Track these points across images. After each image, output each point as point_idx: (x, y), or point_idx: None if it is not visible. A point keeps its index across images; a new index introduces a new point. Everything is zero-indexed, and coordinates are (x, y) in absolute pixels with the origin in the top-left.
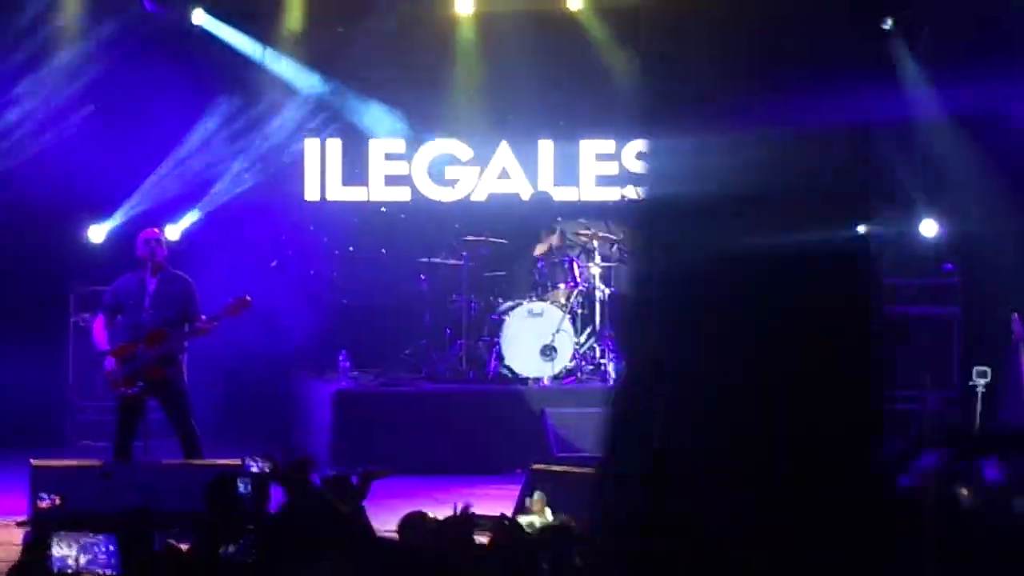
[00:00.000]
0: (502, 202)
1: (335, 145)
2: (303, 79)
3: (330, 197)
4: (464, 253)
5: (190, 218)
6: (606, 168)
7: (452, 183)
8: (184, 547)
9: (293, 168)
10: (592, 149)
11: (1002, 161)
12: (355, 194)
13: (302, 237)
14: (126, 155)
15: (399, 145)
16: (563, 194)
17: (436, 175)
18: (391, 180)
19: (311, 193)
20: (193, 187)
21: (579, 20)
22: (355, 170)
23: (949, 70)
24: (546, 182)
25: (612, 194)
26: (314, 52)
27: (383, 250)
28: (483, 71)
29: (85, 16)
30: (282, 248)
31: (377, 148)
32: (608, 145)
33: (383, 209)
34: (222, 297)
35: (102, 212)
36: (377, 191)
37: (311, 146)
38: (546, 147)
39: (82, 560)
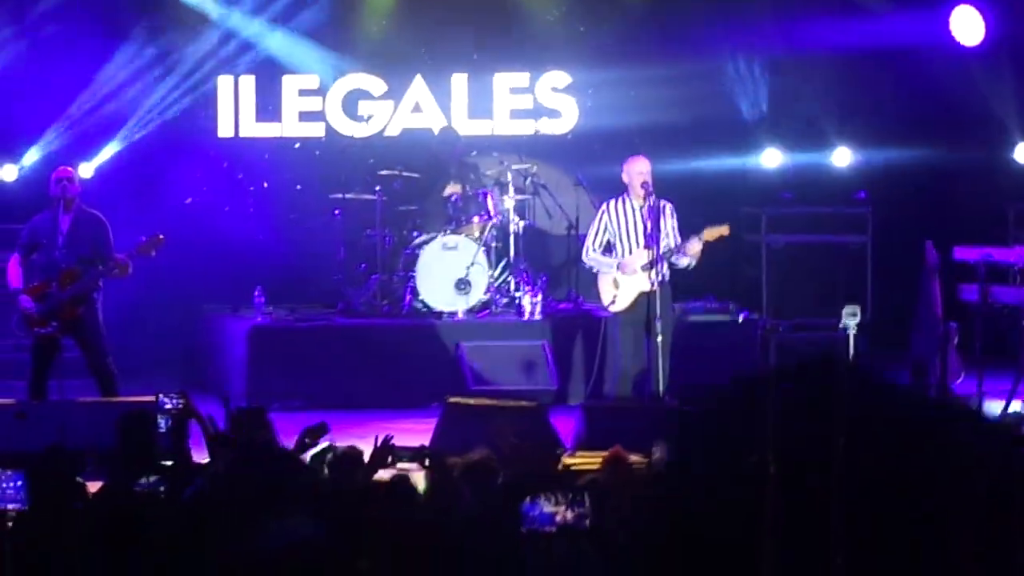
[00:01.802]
0: (415, 136)
1: (248, 82)
2: (216, 8)
3: (244, 134)
4: (377, 188)
5: (104, 155)
6: (520, 101)
7: (366, 118)
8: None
9: (207, 105)
10: (506, 83)
11: (913, 90)
12: (269, 130)
13: (216, 174)
14: (38, 92)
15: (313, 81)
16: (477, 128)
17: (350, 110)
18: (305, 116)
19: (224, 130)
20: (107, 124)
21: None
22: (269, 107)
23: (860, 2)
24: (460, 116)
25: (526, 127)
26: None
27: (298, 186)
28: (397, 4)
29: None
30: (196, 185)
31: (291, 84)
32: (522, 78)
33: (297, 145)
34: (137, 235)
35: (14, 151)
36: (291, 127)
37: (224, 83)
38: (460, 81)
39: None
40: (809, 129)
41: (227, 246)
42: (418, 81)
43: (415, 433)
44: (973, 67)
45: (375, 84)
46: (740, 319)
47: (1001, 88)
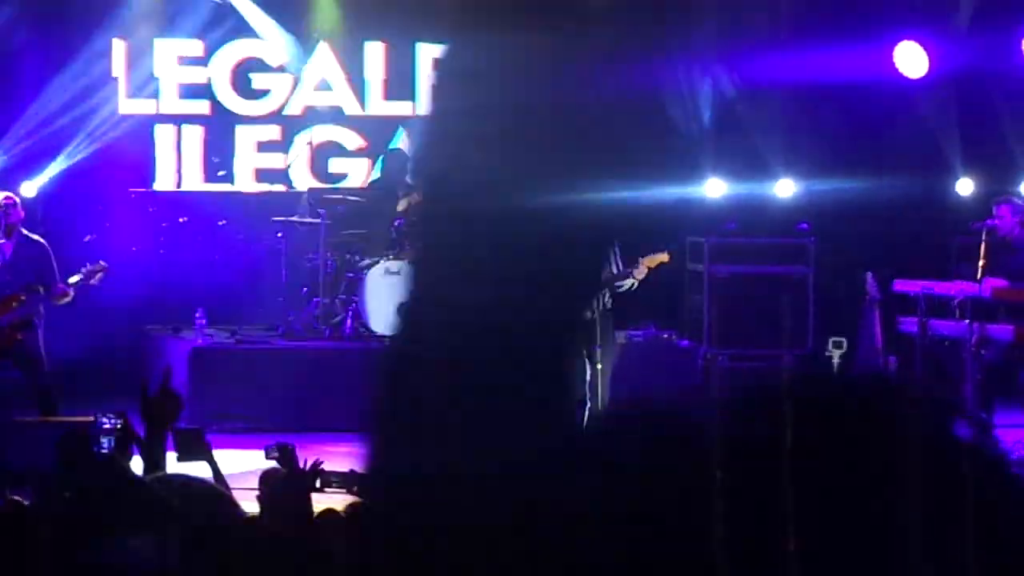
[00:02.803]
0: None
1: (120, 47)
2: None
3: (123, 111)
4: (321, 211)
5: (46, 175)
6: None
7: (262, 94)
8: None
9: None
10: (433, 54)
11: (857, 123)
12: (144, 107)
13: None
14: None
15: (195, 47)
16: (397, 109)
17: (241, 84)
18: (187, 91)
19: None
20: (49, 143)
21: None
22: (145, 81)
23: (805, 36)
24: (376, 95)
25: None
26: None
27: (221, 221)
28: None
29: None
30: (134, 207)
31: (166, 49)
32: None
33: (221, 172)
34: (80, 257)
35: None
36: (169, 103)
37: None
38: (374, 50)
39: None
40: (752, 160)
41: (169, 267)
42: (323, 49)
43: (353, 457)
44: (916, 101)
45: (271, 52)
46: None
47: (944, 122)
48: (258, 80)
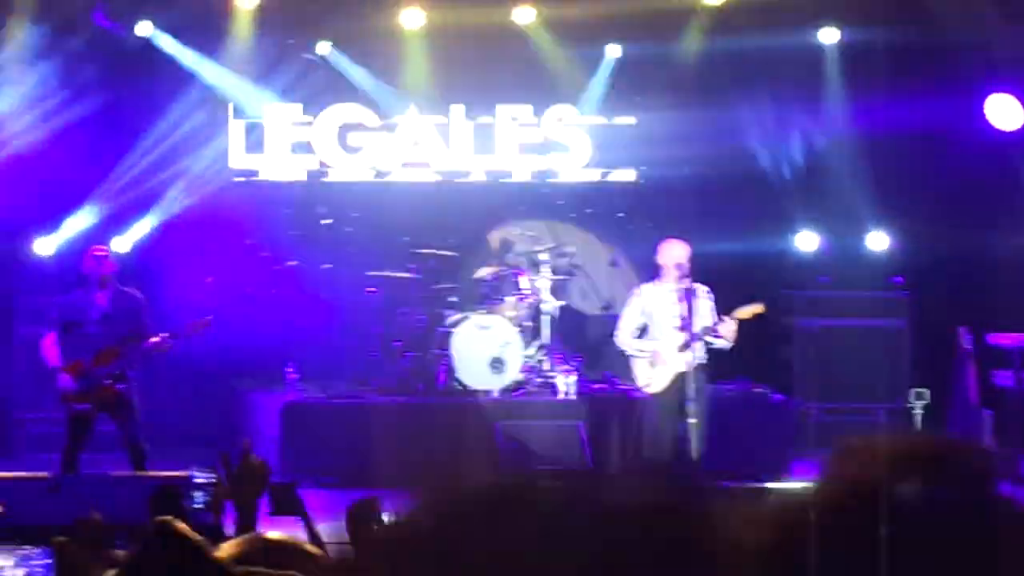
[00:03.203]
0: (451, 211)
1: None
2: (251, 100)
3: (233, 165)
4: (412, 266)
5: (139, 230)
6: (527, 135)
7: (357, 150)
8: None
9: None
10: (509, 115)
11: (950, 176)
12: (255, 162)
13: (245, 249)
14: (75, 167)
15: (295, 110)
16: (483, 163)
17: (341, 142)
18: (296, 147)
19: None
20: (143, 198)
21: (528, 33)
22: (257, 139)
23: (899, 85)
24: (463, 152)
25: (537, 163)
26: (259, 66)
27: (325, 265)
28: (431, 83)
29: (35, 34)
30: (227, 262)
31: (276, 115)
32: (525, 111)
33: (326, 222)
34: (172, 310)
35: (50, 224)
36: (279, 160)
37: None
38: (457, 112)
39: (19, 573)
40: (845, 212)
41: (260, 322)
42: (412, 112)
43: None
44: (1011, 153)
45: (368, 116)
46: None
47: None
48: (356, 139)
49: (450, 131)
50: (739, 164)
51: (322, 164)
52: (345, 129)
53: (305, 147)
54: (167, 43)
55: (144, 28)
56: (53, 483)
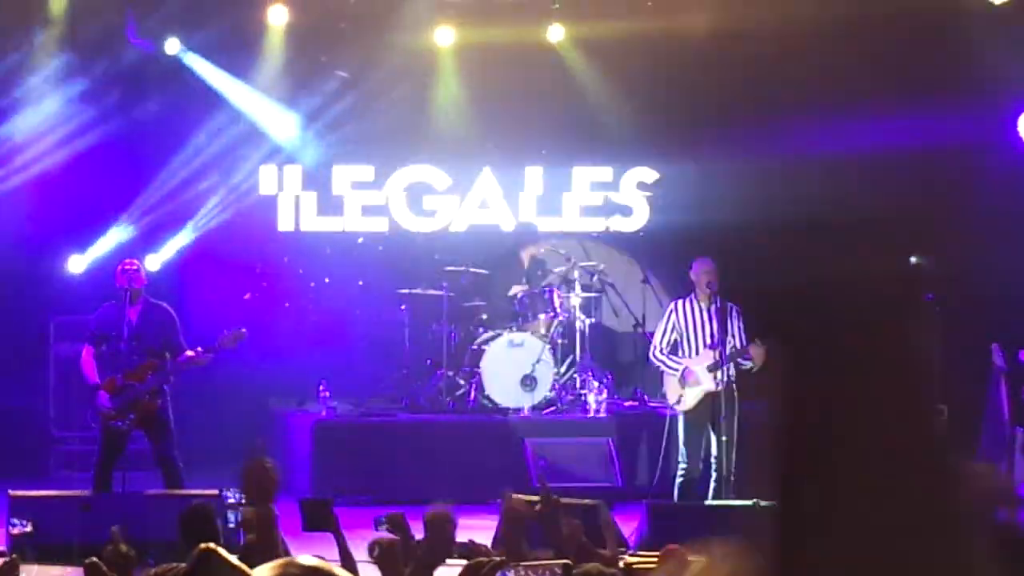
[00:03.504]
0: (481, 231)
1: (294, 172)
2: (277, 121)
3: (304, 228)
4: (444, 283)
5: (170, 248)
6: (592, 198)
7: (431, 213)
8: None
9: (267, 199)
10: (587, 177)
11: (981, 191)
12: (330, 224)
13: (277, 268)
14: (106, 185)
15: (367, 172)
16: (546, 224)
17: (414, 204)
18: (367, 210)
19: (285, 224)
20: (173, 217)
21: (560, 52)
22: (330, 202)
23: (930, 101)
24: (528, 212)
25: (597, 224)
26: (292, 85)
27: (360, 282)
28: (463, 101)
29: (66, 50)
30: (257, 279)
31: (343, 175)
32: (604, 172)
33: (360, 240)
34: (203, 328)
35: (82, 242)
36: (353, 222)
37: (267, 173)
38: (533, 174)
39: None
40: (876, 231)
41: (292, 340)
42: (486, 174)
43: (477, 530)
44: None
45: (438, 177)
46: None
47: None
48: (429, 202)
49: (520, 193)
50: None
51: (393, 225)
52: (416, 191)
53: (379, 209)
54: (194, 61)
55: (172, 46)
56: (85, 501)
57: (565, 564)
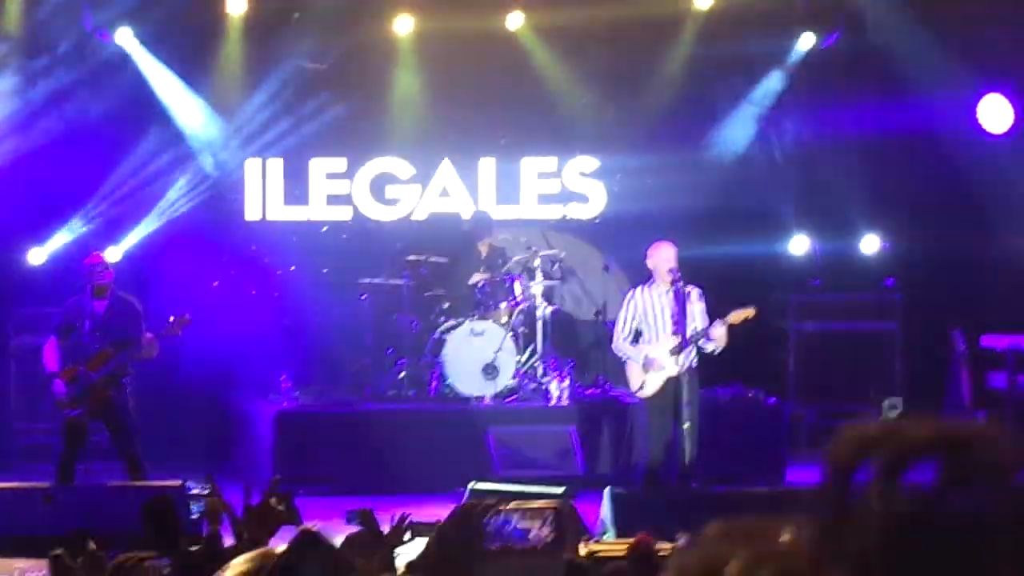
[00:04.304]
0: (443, 221)
1: (276, 164)
2: (200, 125)
3: (271, 217)
4: (405, 272)
5: (132, 239)
6: (548, 186)
7: (393, 202)
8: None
9: (233, 188)
10: (534, 167)
11: (941, 178)
12: (296, 213)
13: (243, 257)
14: (66, 176)
15: (341, 164)
16: (504, 212)
17: (377, 194)
18: (332, 200)
19: (252, 213)
20: (134, 207)
21: (518, 38)
22: (295, 191)
23: (890, 87)
24: (487, 201)
25: (554, 212)
26: (251, 76)
27: (324, 270)
28: (423, 90)
29: (24, 39)
30: (223, 268)
31: (318, 167)
32: (550, 163)
33: (324, 229)
34: (165, 318)
35: (41, 234)
36: (318, 210)
37: (252, 166)
38: (487, 165)
39: None
40: (837, 216)
41: (254, 330)
42: (446, 165)
43: (441, 519)
44: (1002, 154)
45: (402, 168)
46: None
47: None
48: (392, 191)
49: (478, 183)
50: (729, 168)
51: (357, 214)
52: (380, 181)
53: (343, 199)
54: (137, 52)
55: (123, 36)
56: (47, 493)
57: (555, 508)
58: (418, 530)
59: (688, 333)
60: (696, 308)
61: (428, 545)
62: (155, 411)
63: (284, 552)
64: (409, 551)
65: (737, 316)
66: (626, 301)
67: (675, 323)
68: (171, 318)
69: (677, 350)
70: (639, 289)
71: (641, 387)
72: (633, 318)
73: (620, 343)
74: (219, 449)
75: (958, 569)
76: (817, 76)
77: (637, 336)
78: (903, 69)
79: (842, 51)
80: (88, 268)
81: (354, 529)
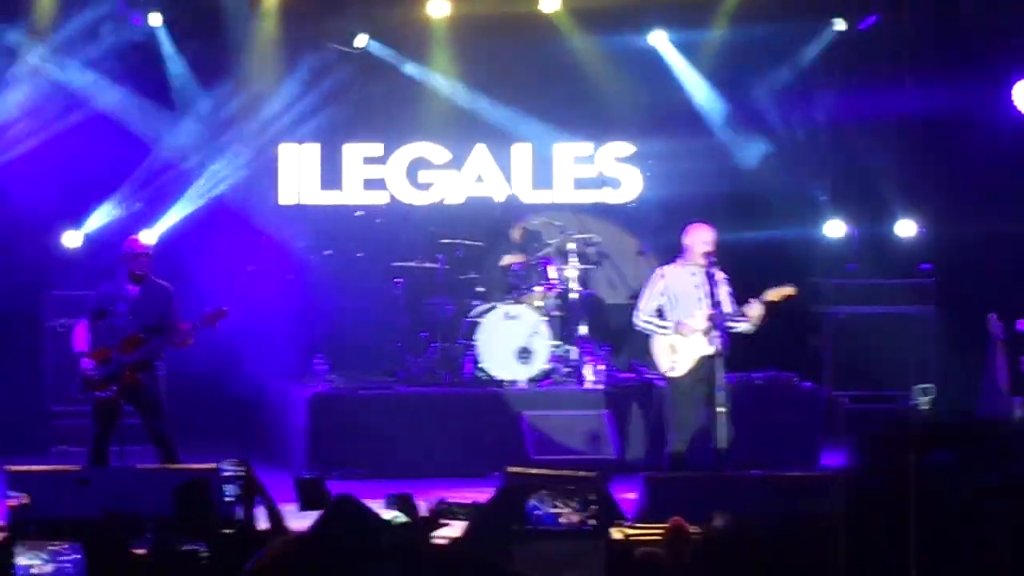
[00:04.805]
0: (477, 204)
1: (312, 149)
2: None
3: (305, 201)
4: (439, 256)
5: (166, 222)
6: (583, 171)
7: (427, 186)
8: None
9: (268, 172)
10: (568, 152)
11: (977, 162)
12: (331, 198)
13: (277, 241)
14: (102, 159)
15: (376, 149)
16: (539, 197)
17: (412, 178)
18: (368, 184)
19: (287, 197)
20: (169, 191)
21: (553, 22)
22: (331, 175)
23: (925, 71)
24: (522, 185)
25: (589, 196)
26: (285, 61)
27: (359, 254)
28: (458, 74)
29: (60, 23)
30: (258, 252)
31: (353, 152)
32: (585, 148)
33: (359, 213)
34: (199, 302)
35: (77, 217)
36: (353, 195)
37: (287, 150)
38: (522, 150)
39: (48, 569)
40: (873, 200)
41: (288, 314)
42: (480, 149)
43: (477, 501)
44: None
45: (437, 152)
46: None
47: None
48: (425, 176)
49: (512, 168)
50: (763, 152)
51: (393, 199)
52: (415, 165)
53: (378, 184)
54: (162, 40)
55: (155, 20)
56: (81, 476)
57: (590, 493)
58: (455, 512)
59: (722, 313)
60: (724, 290)
61: (467, 528)
62: (189, 395)
63: (320, 519)
64: (447, 533)
65: (776, 293)
66: (654, 277)
67: (706, 301)
68: (208, 310)
69: (709, 329)
70: (668, 267)
71: (672, 367)
72: (661, 295)
73: (643, 317)
74: (253, 433)
75: (971, 534)
76: (854, 59)
77: (659, 315)
78: (939, 52)
79: (879, 33)
80: (127, 253)
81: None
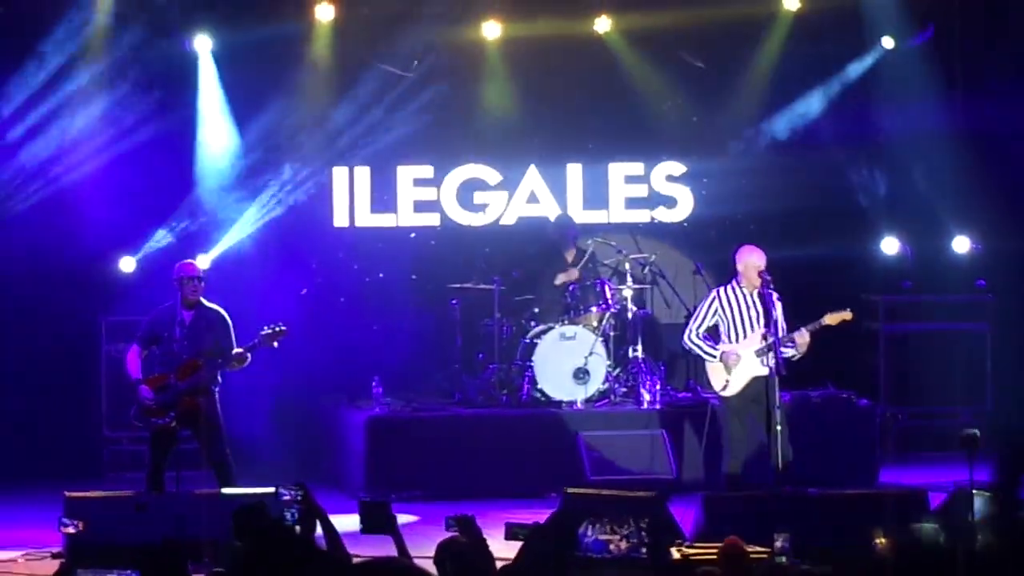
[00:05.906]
0: (531, 225)
1: (363, 172)
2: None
3: (359, 224)
4: (495, 277)
5: (220, 247)
6: (635, 190)
7: (481, 208)
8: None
9: (321, 196)
10: (621, 171)
11: None
12: (384, 220)
13: (331, 264)
14: (157, 185)
15: (427, 171)
16: (592, 217)
17: (465, 200)
18: (420, 206)
19: (339, 220)
20: (223, 216)
21: (605, 43)
22: (383, 196)
23: (979, 84)
24: (575, 205)
25: (642, 216)
26: (338, 83)
27: (413, 276)
28: (511, 95)
29: (114, 50)
30: (311, 276)
31: (405, 175)
32: (637, 167)
33: (412, 235)
34: (255, 326)
35: (133, 243)
36: (406, 217)
37: (339, 174)
38: (574, 170)
39: None
40: (928, 216)
41: (344, 336)
42: (532, 171)
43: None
44: None
45: (490, 174)
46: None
47: None
48: (480, 197)
49: (567, 188)
50: (816, 169)
51: (444, 220)
52: (468, 187)
53: (431, 205)
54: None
55: (202, 43)
56: (139, 501)
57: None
58: (516, 532)
59: (778, 334)
60: (776, 313)
61: (520, 550)
62: (246, 418)
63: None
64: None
65: (834, 318)
66: (709, 298)
67: (760, 324)
68: (265, 328)
69: (764, 351)
70: (723, 288)
71: (725, 386)
72: (715, 314)
73: (693, 338)
74: (310, 456)
75: None
76: (907, 74)
77: (711, 335)
78: (992, 65)
79: (933, 48)
80: (182, 278)
81: (451, 535)
